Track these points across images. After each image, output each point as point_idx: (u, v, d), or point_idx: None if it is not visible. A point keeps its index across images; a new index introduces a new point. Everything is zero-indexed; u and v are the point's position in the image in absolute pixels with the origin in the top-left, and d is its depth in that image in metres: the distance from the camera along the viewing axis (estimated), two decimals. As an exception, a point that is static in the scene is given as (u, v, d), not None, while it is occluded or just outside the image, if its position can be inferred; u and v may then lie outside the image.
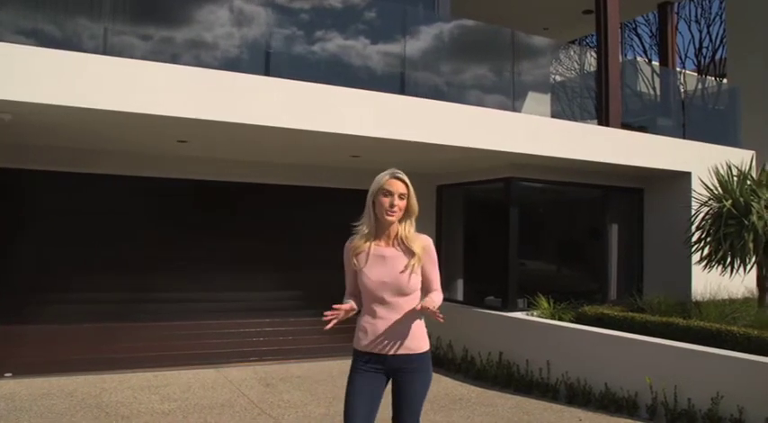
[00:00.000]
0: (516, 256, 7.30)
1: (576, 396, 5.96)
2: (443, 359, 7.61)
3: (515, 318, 6.96)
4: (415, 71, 6.75)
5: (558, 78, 9.52)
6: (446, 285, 8.45)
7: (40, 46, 4.68)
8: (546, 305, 7.11)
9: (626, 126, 8.04)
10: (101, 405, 5.70)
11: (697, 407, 5.05)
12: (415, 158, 7.08)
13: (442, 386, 6.72)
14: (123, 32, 5.58)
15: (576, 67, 9.81)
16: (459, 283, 8.41)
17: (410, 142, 5.95)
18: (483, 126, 6.35)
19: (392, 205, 2.95)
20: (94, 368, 6.77)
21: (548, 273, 8.40)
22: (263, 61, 5.86)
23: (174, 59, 5.49)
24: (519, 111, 7.62)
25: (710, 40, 21.31)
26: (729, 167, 6.75)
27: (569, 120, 8.16)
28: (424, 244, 3.05)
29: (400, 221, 3.04)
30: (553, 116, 8.08)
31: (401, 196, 2.97)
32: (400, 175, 2.99)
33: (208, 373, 7.00)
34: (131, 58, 4.99)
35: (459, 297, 8.32)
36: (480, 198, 8.34)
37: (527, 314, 7.05)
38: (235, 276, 7.54)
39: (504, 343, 6.91)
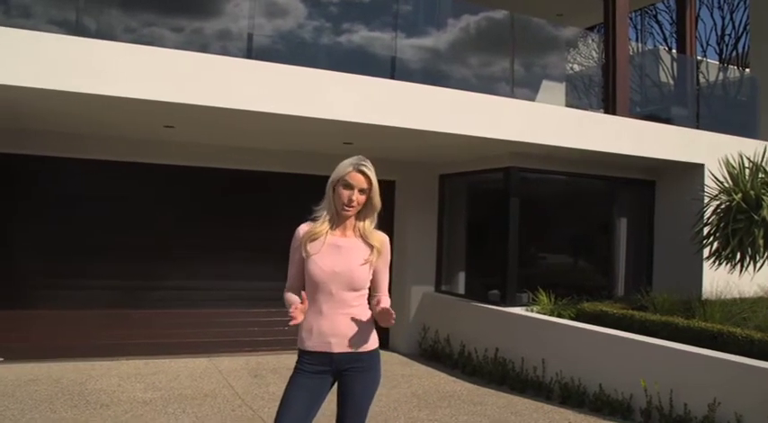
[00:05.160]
0: (516, 250, 7.02)
1: (570, 396, 5.71)
2: (441, 353, 7.43)
3: (510, 313, 6.70)
4: (411, 57, 6.51)
5: (577, 67, 9.16)
6: (448, 278, 8.24)
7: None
8: (546, 301, 6.85)
9: (649, 117, 7.69)
10: (83, 392, 5.65)
11: (693, 413, 4.77)
12: (409, 145, 6.82)
13: (435, 381, 6.54)
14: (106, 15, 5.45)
15: (595, 55, 9.43)
16: (461, 276, 8.18)
17: (401, 128, 5.71)
18: (478, 112, 6.05)
19: (351, 200, 2.76)
20: (86, 355, 6.75)
21: (553, 267, 8.11)
22: (245, 45, 5.67)
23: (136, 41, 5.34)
24: (530, 99, 7.31)
25: (733, 26, 20.09)
26: (741, 159, 6.36)
27: (586, 110, 7.83)
28: (382, 239, 2.88)
29: (360, 217, 2.85)
30: (569, 106, 7.74)
31: (362, 191, 2.77)
32: (364, 169, 2.76)
33: (199, 363, 6.92)
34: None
35: (461, 290, 8.09)
36: (482, 188, 8.07)
37: (526, 310, 6.79)
38: (231, 265, 7.41)
39: (500, 339, 6.67)
